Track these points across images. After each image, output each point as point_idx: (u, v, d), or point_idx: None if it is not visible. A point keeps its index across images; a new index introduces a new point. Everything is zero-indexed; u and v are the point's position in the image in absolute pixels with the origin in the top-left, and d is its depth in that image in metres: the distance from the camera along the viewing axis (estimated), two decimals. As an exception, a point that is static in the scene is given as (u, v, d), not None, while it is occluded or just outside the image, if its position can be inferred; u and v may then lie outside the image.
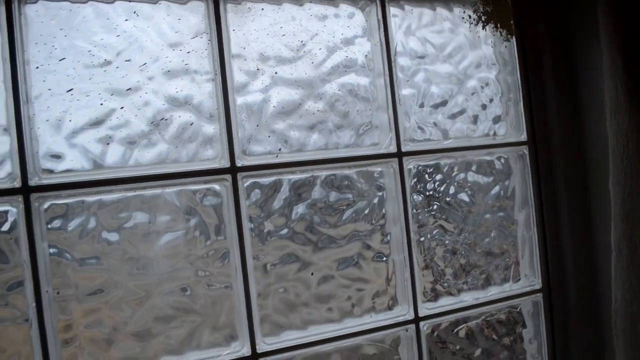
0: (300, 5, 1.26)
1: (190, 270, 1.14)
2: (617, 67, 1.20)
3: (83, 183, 1.06)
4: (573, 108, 1.46)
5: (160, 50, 1.14)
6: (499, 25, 1.45)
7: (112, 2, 1.11)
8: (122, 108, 1.10)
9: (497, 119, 1.46)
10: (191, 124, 1.16)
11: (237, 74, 1.20)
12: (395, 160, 1.33)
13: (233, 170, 1.17)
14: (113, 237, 1.10)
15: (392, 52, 1.33)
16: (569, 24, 1.45)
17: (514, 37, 1.46)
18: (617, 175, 1.24)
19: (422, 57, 1.38)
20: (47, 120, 1.06)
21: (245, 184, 1.20)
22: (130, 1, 1.12)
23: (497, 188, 1.46)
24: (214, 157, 1.17)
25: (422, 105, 1.38)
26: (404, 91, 1.36)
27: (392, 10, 1.35)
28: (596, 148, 1.41)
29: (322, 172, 1.27)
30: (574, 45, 1.44)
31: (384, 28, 1.32)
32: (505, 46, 1.47)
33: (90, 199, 1.08)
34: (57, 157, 1.06)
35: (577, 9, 1.42)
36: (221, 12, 1.18)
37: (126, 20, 1.12)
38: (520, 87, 1.47)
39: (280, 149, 1.23)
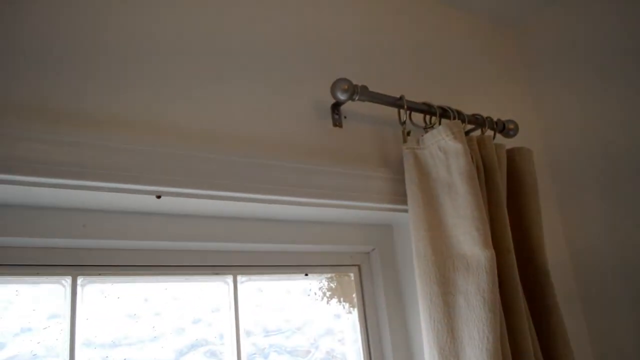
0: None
1: None
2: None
3: None
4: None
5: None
6: (342, 299, 1.64)
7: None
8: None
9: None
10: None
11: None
12: None
13: None
14: None
15: (242, 330, 1.44)
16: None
17: (355, 309, 1.64)
18: None
19: (271, 333, 1.50)
20: None
21: None
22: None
23: None
24: None
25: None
26: (256, 365, 1.43)
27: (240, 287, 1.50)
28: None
29: None
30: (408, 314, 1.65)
31: (235, 306, 1.45)
32: (348, 318, 1.64)
33: None
34: None
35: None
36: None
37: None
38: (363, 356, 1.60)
39: None
